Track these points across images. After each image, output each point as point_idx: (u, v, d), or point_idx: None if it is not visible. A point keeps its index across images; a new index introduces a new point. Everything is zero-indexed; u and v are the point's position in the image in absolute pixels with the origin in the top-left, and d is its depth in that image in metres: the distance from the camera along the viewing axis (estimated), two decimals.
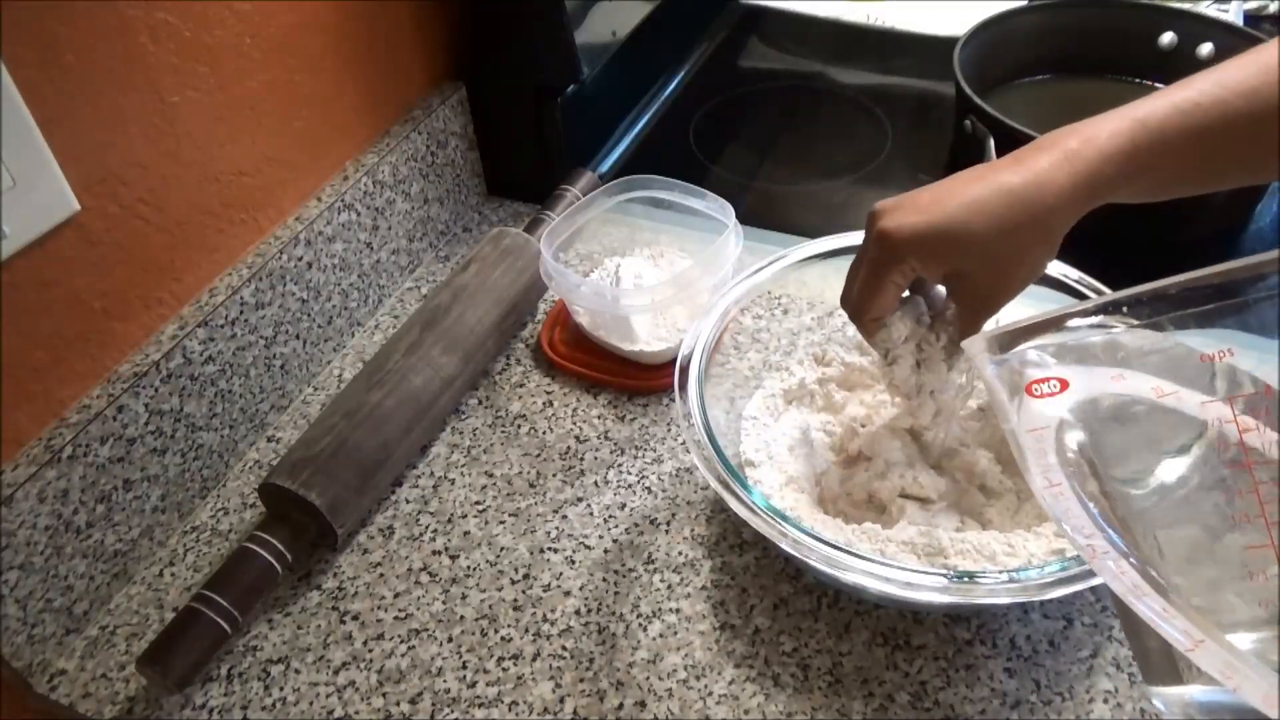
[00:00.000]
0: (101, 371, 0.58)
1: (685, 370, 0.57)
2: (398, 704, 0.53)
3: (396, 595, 0.59)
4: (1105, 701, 0.51)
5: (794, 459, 0.60)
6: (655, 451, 0.66)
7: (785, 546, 0.49)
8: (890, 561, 0.49)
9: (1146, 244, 0.69)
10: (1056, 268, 0.59)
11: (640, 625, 0.56)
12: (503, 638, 0.56)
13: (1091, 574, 0.45)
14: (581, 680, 0.54)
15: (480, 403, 0.70)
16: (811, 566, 0.50)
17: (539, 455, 0.66)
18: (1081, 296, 0.59)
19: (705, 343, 0.59)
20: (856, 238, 0.63)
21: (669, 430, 0.67)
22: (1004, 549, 0.52)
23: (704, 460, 0.52)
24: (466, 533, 0.62)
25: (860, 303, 0.55)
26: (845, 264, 0.60)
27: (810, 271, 0.63)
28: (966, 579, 0.47)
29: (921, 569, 0.49)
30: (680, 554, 0.60)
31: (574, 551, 0.60)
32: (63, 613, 0.56)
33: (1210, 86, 0.49)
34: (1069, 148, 0.49)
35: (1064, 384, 0.38)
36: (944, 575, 0.47)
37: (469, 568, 0.60)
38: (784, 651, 0.54)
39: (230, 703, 0.54)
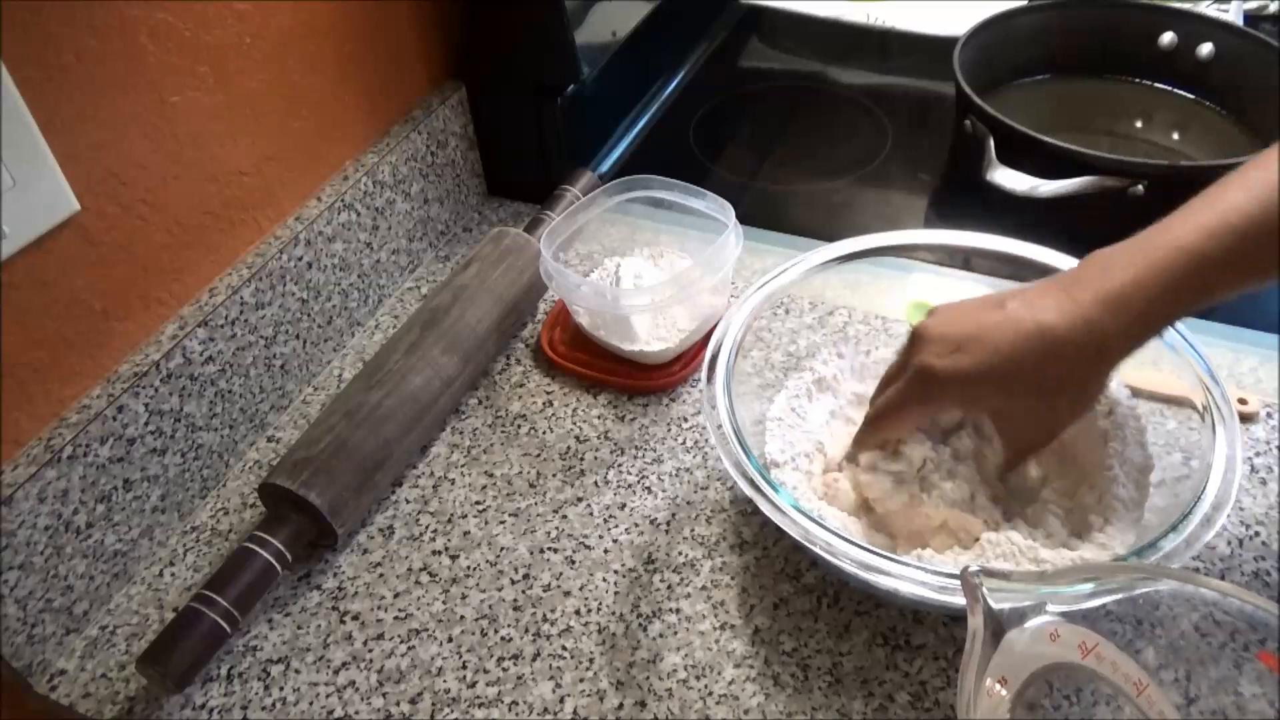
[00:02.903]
0: (101, 371, 0.58)
1: (713, 370, 0.57)
2: (398, 704, 0.53)
3: (396, 595, 0.59)
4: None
5: (818, 459, 0.60)
6: (655, 451, 0.66)
7: (818, 550, 0.48)
8: (927, 565, 0.48)
9: None
10: None
11: (640, 625, 0.56)
12: (503, 638, 0.56)
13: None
14: (581, 680, 0.54)
15: (480, 403, 0.70)
16: (845, 570, 0.49)
17: (539, 455, 0.66)
18: None
19: (733, 343, 0.58)
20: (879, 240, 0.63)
21: (669, 430, 0.67)
22: (1042, 551, 0.51)
23: (734, 464, 0.52)
24: (466, 533, 0.62)
25: (888, 424, 0.54)
26: (862, 269, 0.59)
27: (814, 273, 0.63)
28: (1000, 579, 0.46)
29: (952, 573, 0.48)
30: (680, 554, 0.60)
31: (574, 551, 0.60)
32: (63, 613, 0.56)
33: (1254, 200, 0.45)
34: (1119, 289, 0.47)
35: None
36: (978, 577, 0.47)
37: (469, 568, 0.60)
38: (784, 651, 0.54)
39: (230, 703, 0.54)
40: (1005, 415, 0.52)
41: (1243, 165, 0.48)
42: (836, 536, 0.48)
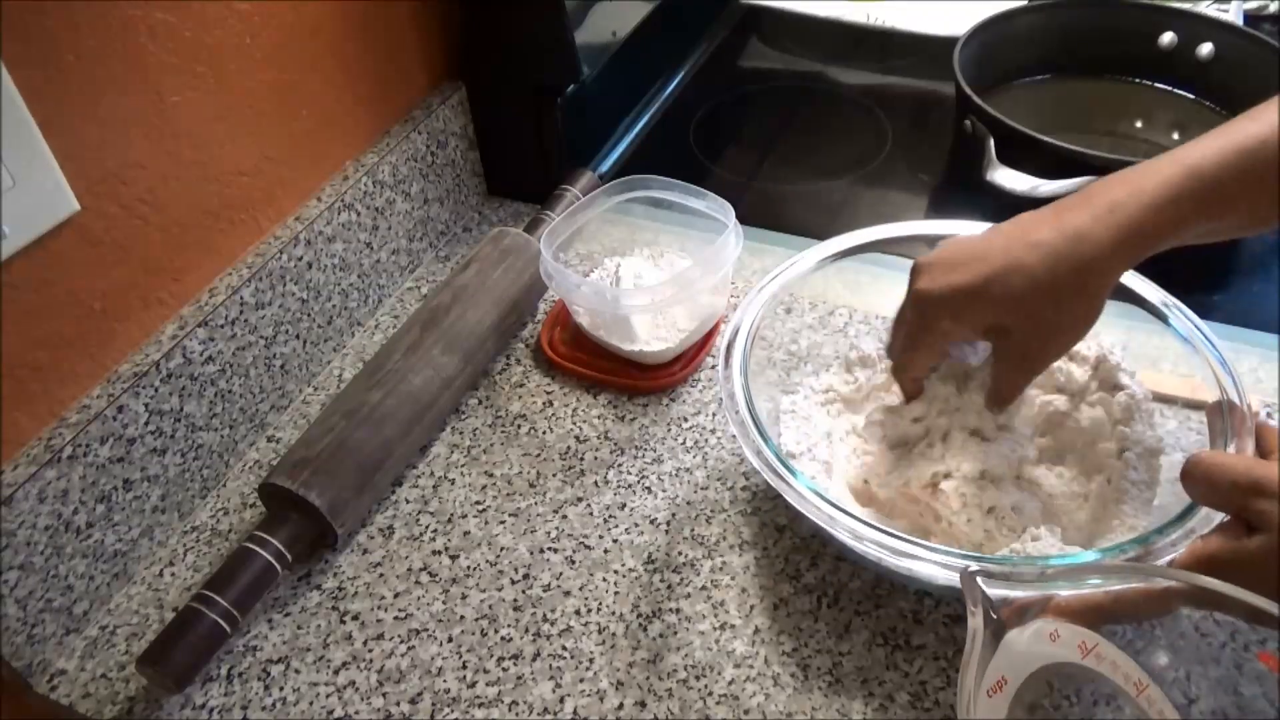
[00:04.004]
0: (101, 371, 0.58)
1: (729, 359, 0.57)
2: (398, 704, 0.53)
3: (396, 595, 0.59)
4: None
5: (834, 450, 0.60)
6: (655, 451, 0.66)
7: (841, 536, 0.48)
8: (951, 549, 0.48)
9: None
10: (1133, 280, 0.58)
11: (640, 625, 0.56)
12: (503, 638, 0.56)
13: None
14: (581, 680, 0.54)
15: (480, 403, 0.70)
16: (868, 555, 0.50)
17: (539, 455, 0.66)
18: (1161, 316, 0.58)
19: (750, 329, 0.59)
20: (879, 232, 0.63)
21: (669, 430, 0.67)
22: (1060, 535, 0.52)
23: (754, 451, 0.52)
24: (466, 533, 0.62)
25: (903, 360, 0.55)
26: (863, 269, 0.59)
27: (815, 271, 0.63)
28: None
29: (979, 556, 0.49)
30: (680, 554, 0.60)
31: (574, 551, 0.60)
32: (63, 613, 0.56)
33: (1266, 127, 0.46)
34: (1113, 199, 0.47)
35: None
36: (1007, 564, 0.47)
37: (469, 568, 0.60)
38: (784, 651, 0.54)
39: (230, 703, 0.54)
40: (1001, 333, 0.51)
41: (1259, 105, 0.48)
42: (861, 522, 0.49)
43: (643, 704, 0.52)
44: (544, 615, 0.57)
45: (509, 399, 0.71)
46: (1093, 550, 0.48)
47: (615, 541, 0.61)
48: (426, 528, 0.62)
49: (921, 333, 0.53)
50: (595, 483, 0.64)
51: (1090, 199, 0.48)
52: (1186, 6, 0.93)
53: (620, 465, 0.65)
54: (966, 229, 0.63)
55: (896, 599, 0.56)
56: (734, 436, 0.65)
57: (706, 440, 0.66)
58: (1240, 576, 0.39)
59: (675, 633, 0.56)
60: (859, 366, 0.65)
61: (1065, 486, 0.56)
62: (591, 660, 0.55)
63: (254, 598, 0.55)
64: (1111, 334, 0.59)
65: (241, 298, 0.64)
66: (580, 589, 0.58)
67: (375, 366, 0.65)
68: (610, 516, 0.62)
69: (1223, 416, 0.52)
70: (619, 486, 0.64)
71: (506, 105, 0.83)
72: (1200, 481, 0.44)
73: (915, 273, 0.52)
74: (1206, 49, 0.91)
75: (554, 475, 0.65)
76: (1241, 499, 0.42)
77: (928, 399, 0.58)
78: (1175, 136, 0.91)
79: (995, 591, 0.40)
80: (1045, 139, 0.76)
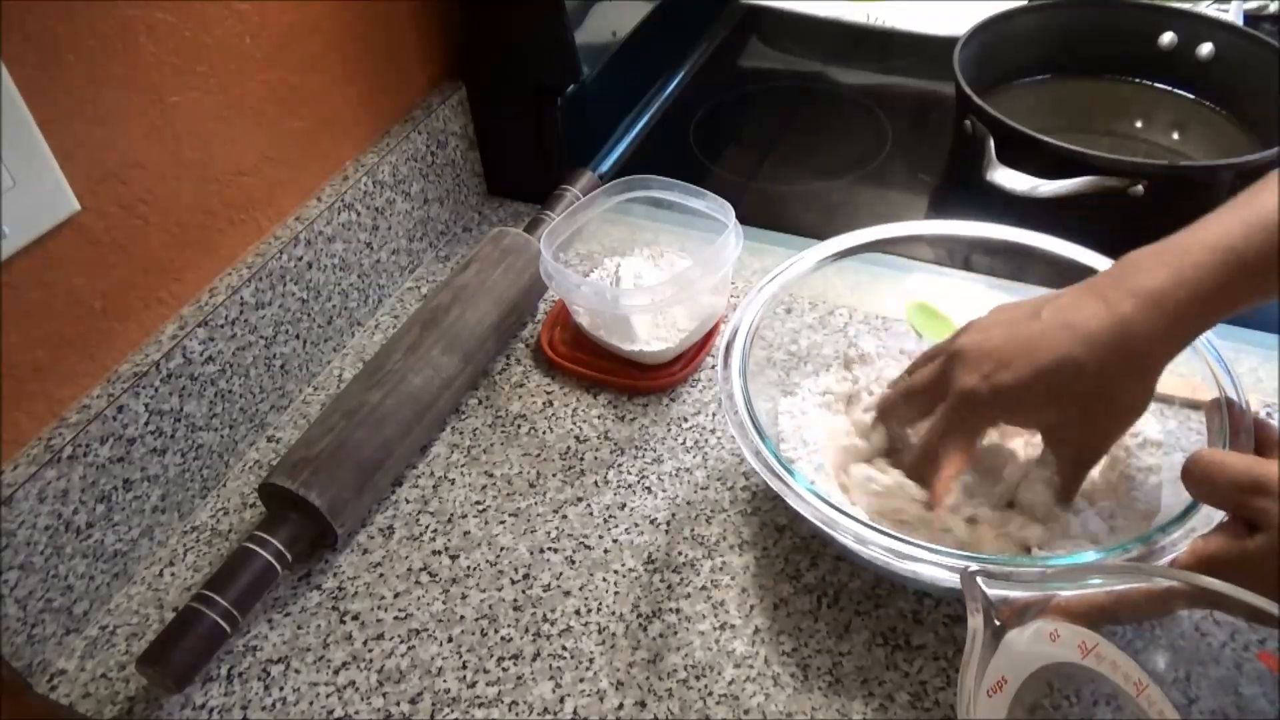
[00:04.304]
0: (101, 371, 0.58)
1: (728, 359, 0.57)
2: (398, 704, 0.53)
3: (396, 595, 0.59)
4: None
5: (831, 452, 0.60)
6: (655, 451, 0.66)
7: (842, 538, 0.48)
8: (952, 550, 0.48)
9: None
10: None
11: (640, 625, 0.56)
12: (503, 638, 0.56)
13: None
14: (581, 680, 0.54)
15: (480, 403, 0.70)
16: (865, 556, 0.49)
17: (539, 455, 0.66)
18: None
19: (749, 328, 0.59)
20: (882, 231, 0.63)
21: (669, 430, 0.67)
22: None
23: (752, 451, 0.52)
24: (466, 533, 0.62)
25: (935, 458, 0.51)
26: (862, 269, 0.59)
27: (815, 271, 0.63)
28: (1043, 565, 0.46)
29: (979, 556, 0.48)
30: (680, 554, 0.60)
31: (574, 551, 0.60)
32: (63, 613, 0.56)
33: None
34: (1160, 288, 0.46)
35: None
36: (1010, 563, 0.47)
37: (469, 568, 0.60)
38: (784, 651, 0.54)
39: (230, 703, 0.54)
40: (1054, 429, 0.50)
41: (1265, 177, 0.47)
42: (862, 524, 0.48)
43: (643, 704, 0.52)
44: (544, 615, 0.57)
45: (509, 399, 0.71)
46: (1093, 550, 0.48)
47: (615, 541, 0.61)
48: (426, 528, 0.62)
49: (964, 434, 0.51)
50: (595, 483, 0.64)
51: (1135, 284, 0.47)
52: (1186, 6, 0.93)
53: (620, 465, 0.65)
54: (966, 229, 0.63)
55: (896, 599, 0.56)
56: (734, 437, 0.66)
57: (706, 440, 0.66)
58: (1240, 575, 0.39)
59: (675, 633, 0.56)
60: (858, 364, 0.65)
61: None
62: (591, 660, 0.55)
63: (254, 598, 0.55)
64: None
65: (241, 298, 0.64)
66: (580, 589, 0.58)
67: (375, 366, 0.65)
68: (610, 516, 0.62)
69: (1221, 415, 0.52)
70: (619, 486, 0.64)
71: (506, 105, 0.83)
72: (1200, 479, 0.44)
73: (956, 363, 0.50)
74: (1206, 49, 0.91)
75: (554, 475, 0.65)
76: (1241, 497, 0.42)
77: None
78: (1175, 136, 0.91)
79: (995, 591, 0.40)
80: (1045, 139, 0.76)
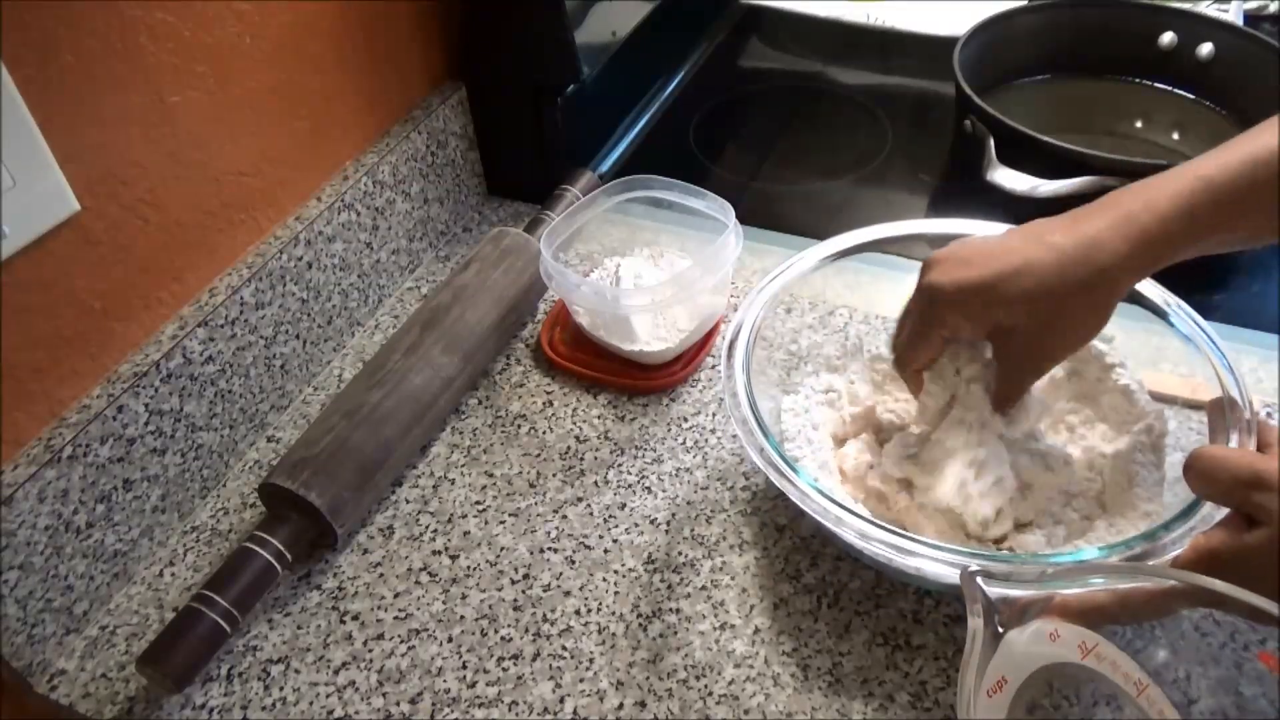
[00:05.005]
0: (101, 371, 0.58)
1: (731, 358, 0.57)
2: (398, 704, 0.53)
3: (396, 595, 0.59)
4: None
5: (834, 449, 0.60)
6: (655, 451, 0.66)
7: (847, 535, 0.48)
8: (955, 547, 0.48)
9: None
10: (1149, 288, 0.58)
11: (640, 625, 0.56)
12: (503, 638, 0.56)
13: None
14: (581, 680, 0.54)
15: (480, 403, 0.70)
16: (868, 552, 0.50)
17: (539, 455, 0.66)
18: (1162, 315, 0.58)
19: (749, 332, 0.59)
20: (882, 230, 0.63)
21: (669, 430, 0.67)
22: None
23: (756, 448, 0.52)
24: (466, 533, 0.62)
25: (906, 353, 0.55)
26: (863, 269, 0.59)
27: (816, 271, 0.63)
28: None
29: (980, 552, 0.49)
30: (680, 554, 0.60)
31: (574, 551, 0.60)
32: (63, 613, 0.56)
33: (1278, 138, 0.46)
34: (1128, 210, 0.47)
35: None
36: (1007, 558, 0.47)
37: (469, 568, 0.60)
38: (784, 651, 0.54)
39: (230, 703, 0.54)
40: (1005, 334, 0.51)
41: (1272, 117, 0.48)
42: (859, 518, 0.49)
43: (643, 704, 0.52)
44: (544, 615, 0.57)
45: (509, 399, 0.71)
46: (1094, 548, 0.48)
47: (615, 541, 0.61)
48: (426, 528, 0.62)
49: (926, 326, 0.53)
50: (595, 483, 0.64)
51: (1106, 208, 0.48)
52: (1186, 6, 0.93)
53: (620, 465, 0.65)
54: (966, 228, 0.63)
55: (896, 599, 0.56)
56: (735, 436, 0.66)
57: (706, 440, 0.66)
58: (1241, 571, 0.40)
59: (675, 633, 0.56)
60: (857, 362, 0.65)
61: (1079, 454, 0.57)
62: (591, 660, 0.55)
63: (254, 598, 0.55)
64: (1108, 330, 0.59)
65: (241, 298, 0.64)
66: (580, 589, 0.58)
67: (375, 366, 0.65)
68: (610, 516, 0.62)
69: (1224, 413, 0.52)
70: (619, 486, 0.64)
71: (506, 105, 0.83)
72: (1201, 475, 0.44)
73: (926, 267, 0.52)
74: (1206, 49, 0.91)
75: (554, 475, 0.65)
76: (1242, 493, 0.42)
77: (933, 415, 0.57)
78: (1175, 136, 0.91)
79: (995, 591, 0.40)
80: (1045, 139, 0.76)
